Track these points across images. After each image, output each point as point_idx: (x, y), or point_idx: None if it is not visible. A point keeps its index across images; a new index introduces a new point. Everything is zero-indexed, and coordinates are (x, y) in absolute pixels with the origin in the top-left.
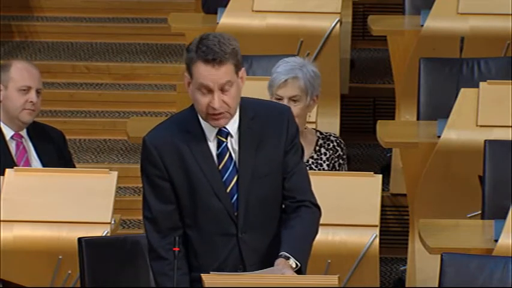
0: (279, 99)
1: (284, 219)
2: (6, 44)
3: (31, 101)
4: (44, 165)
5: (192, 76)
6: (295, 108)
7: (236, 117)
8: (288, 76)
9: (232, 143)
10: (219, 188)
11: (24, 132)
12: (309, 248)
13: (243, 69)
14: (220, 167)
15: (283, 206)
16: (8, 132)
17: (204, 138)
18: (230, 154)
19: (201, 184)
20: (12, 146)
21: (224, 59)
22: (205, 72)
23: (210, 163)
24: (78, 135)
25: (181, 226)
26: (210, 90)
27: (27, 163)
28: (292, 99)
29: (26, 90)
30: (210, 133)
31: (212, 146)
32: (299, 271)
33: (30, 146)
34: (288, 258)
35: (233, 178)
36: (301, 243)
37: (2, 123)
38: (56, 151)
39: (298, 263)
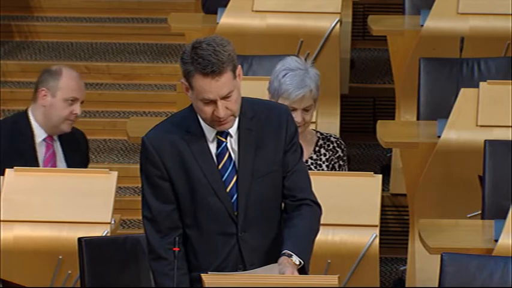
0: (292, 110)
1: (285, 218)
2: (6, 44)
3: (75, 113)
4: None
5: (192, 88)
6: (308, 116)
7: (235, 118)
8: (304, 90)
9: (232, 143)
10: (219, 187)
11: (55, 137)
12: (311, 245)
13: (238, 67)
14: (220, 166)
15: (284, 205)
16: (41, 134)
17: (203, 138)
18: (230, 154)
19: (201, 184)
20: (42, 149)
21: (222, 69)
22: (205, 86)
23: (209, 163)
24: None
25: (181, 226)
26: (212, 101)
27: (54, 166)
28: (305, 109)
29: (73, 101)
30: (210, 133)
31: (212, 146)
32: (302, 269)
33: (59, 147)
34: (290, 256)
35: (233, 178)
36: (303, 241)
37: (35, 124)
38: (80, 154)
39: (301, 261)
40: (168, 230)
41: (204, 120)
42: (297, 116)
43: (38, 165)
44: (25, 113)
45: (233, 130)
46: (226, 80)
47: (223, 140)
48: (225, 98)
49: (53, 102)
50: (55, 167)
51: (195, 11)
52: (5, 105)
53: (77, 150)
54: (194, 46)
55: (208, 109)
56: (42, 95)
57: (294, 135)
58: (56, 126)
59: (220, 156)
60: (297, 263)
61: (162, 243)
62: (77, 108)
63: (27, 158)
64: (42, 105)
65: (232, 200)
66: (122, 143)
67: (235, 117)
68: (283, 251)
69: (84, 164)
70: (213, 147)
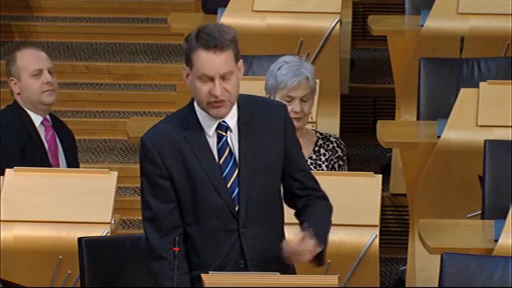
0: (290, 100)
1: (304, 211)
2: (6, 44)
3: (47, 82)
4: (64, 152)
5: (192, 65)
6: (307, 107)
7: (234, 112)
8: (300, 77)
9: (232, 138)
10: (219, 184)
11: (49, 118)
12: (328, 234)
13: (241, 61)
14: (221, 161)
15: (298, 204)
16: (37, 119)
17: (203, 134)
18: (230, 149)
19: (201, 181)
20: (42, 131)
21: (225, 46)
22: (206, 59)
23: (209, 159)
24: (78, 135)
25: (181, 225)
26: (211, 79)
27: (56, 148)
28: (303, 99)
29: (38, 73)
30: (209, 128)
31: (212, 141)
32: (319, 256)
33: (54, 131)
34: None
35: (233, 173)
36: (325, 230)
37: (29, 112)
38: (71, 140)
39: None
40: (169, 230)
41: (200, 103)
42: (296, 106)
43: (44, 147)
44: (16, 103)
45: (233, 125)
46: (227, 58)
47: (224, 133)
48: (223, 78)
49: (23, 85)
50: (57, 147)
51: (195, 11)
52: (5, 105)
53: (68, 136)
54: (199, 28)
55: (205, 88)
56: (12, 85)
57: (293, 132)
58: (38, 102)
59: (221, 150)
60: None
61: (162, 242)
62: (46, 77)
63: (35, 140)
64: (17, 93)
65: (233, 196)
66: (122, 143)
67: (232, 104)
68: (311, 231)
69: (75, 151)
70: (213, 143)
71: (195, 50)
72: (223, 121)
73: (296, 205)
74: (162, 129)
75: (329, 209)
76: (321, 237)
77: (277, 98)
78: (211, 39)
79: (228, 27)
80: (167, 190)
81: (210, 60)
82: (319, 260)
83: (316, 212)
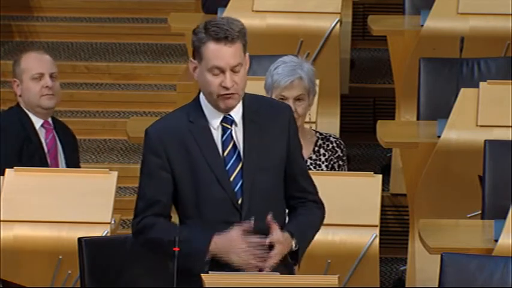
0: (283, 99)
1: (293, 211)
2: (6, 44)
3: (46, 86)
4: (65, 154)
5: (202, 58)
6: (300, 108)
7: (240, 107)
8: (293, 77)
9: (237, 132)
10: (222, 176)
11: (50, 121)
12: (311, 238)
13: (247, 54)
14: (225, 154)
15: (292, 206)
16: (38, 121)
17: (208, 127)
18: (234, 142)
19: (204, 172)
20: (42, 133)
21: (235, 37)
22: (217, 51)
23: (213, 151)
24: (78, 135)
25: (169, 217)
26: (221, 71)
27: (56, 150)
28: (297, 99)
29: (39, 77)
30: (215, 121)
31: (216, 134)
32: (295, 255)
33: (55, 133)
34: (292, 237)
35: (237, 166)
36: (307, 231)
37: (30, 114)
38: (72, 143)
39: (297, 246)
40: (156, 215)
41: (209, 96)
42: None
43: (43, 148)
44: (18, 105)
45: (238, 119)
46: (237, 50)
47: (228, 126)
48: (233, 70)
49: (24, 87)
50: (56, 149)
51: (195, 11)
52: (5, 105)
53: (68, 137)
54: (208, 20)
55: (216, 81)
56: (15, 86)
57: (297, 134)
58: (37, 105)
59: (225, 143)
60: (293, 247)
61: (147, 218)
62: (46, 82)
63: (34, 142)
64: (18, 95)
65: (236, 189)
66: (122, 143)
67: (240, 96)
68: (287, 229)
69: (77, 151)
70: (217, 136)
71: (204, 42)
72: (229, 114)
73: (288, 204)
74: (167, 122)
75: (318, 215)
76: (299, 237)
77: (273, 97)
78: (221, 31)
79: (235, 19)
80: (165, 183)
81: (221, 52)
82: (294, 258)
83: (303, 214)
